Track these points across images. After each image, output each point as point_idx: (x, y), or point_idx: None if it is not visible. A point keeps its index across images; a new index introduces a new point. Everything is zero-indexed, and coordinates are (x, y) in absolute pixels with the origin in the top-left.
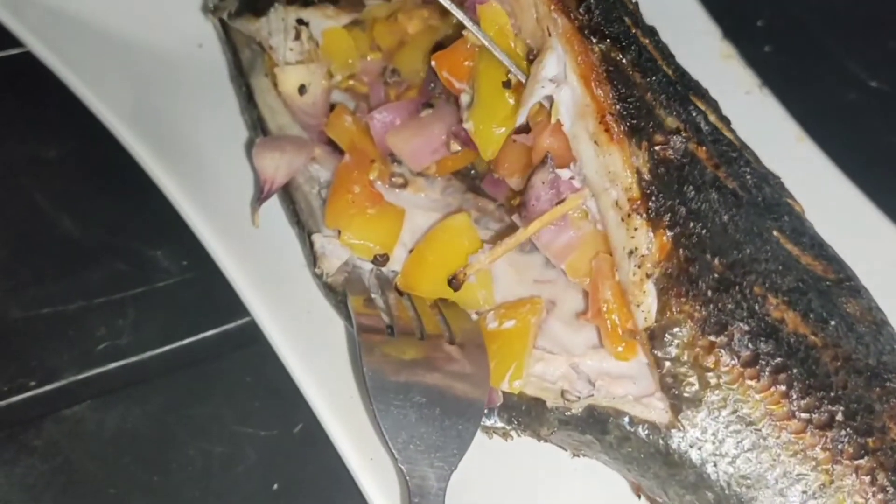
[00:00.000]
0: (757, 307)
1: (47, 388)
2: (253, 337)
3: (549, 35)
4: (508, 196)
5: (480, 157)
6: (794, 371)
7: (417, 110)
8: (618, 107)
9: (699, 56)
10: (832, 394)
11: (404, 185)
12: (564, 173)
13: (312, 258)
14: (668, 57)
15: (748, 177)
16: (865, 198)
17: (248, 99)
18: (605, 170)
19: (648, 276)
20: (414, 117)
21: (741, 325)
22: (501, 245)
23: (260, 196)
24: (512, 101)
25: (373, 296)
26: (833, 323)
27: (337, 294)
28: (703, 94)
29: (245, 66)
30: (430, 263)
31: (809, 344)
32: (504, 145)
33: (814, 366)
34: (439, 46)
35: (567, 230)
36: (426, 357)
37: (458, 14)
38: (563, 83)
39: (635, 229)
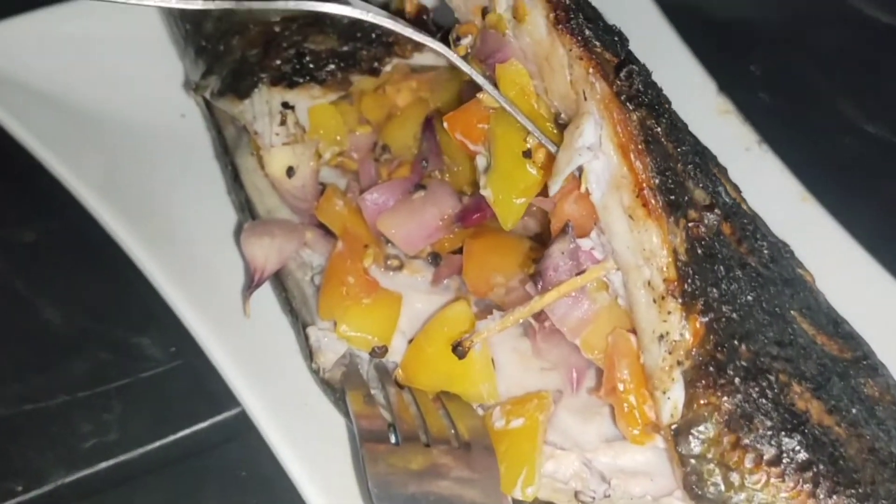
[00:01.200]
0: (782, 397)
1: (34, 493)
2: (246, 427)
3: (585, 99)
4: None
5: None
6: (821, 467)
7: (410, 191)
8: (656, 180)
9: (696, 112)
10: (860, 490)
11: (400, 268)
12: (585, 243)
13: (308, 352)
14: (683, 123)
15: (765, 251)
16: (871, 258)
17: (234, 179)
18: (640, 246)
19: (679, 363)
20: (407, 199)
21: (767, 419)
22: (512, 314)
23: (250, 285)
24: (534, 172)
25: (372, 391)
26: (854, 411)
27: (335, 391)
28: (716, 161)
29: (230, 145)
30: (430, 356)
31: (834, 437)
32: None
33: (840, 460)
34: (429, 120)
35: (583, 302)
36: (433, 465)
37: (479, 79)
38: (598, 151)
39: (668, 313)
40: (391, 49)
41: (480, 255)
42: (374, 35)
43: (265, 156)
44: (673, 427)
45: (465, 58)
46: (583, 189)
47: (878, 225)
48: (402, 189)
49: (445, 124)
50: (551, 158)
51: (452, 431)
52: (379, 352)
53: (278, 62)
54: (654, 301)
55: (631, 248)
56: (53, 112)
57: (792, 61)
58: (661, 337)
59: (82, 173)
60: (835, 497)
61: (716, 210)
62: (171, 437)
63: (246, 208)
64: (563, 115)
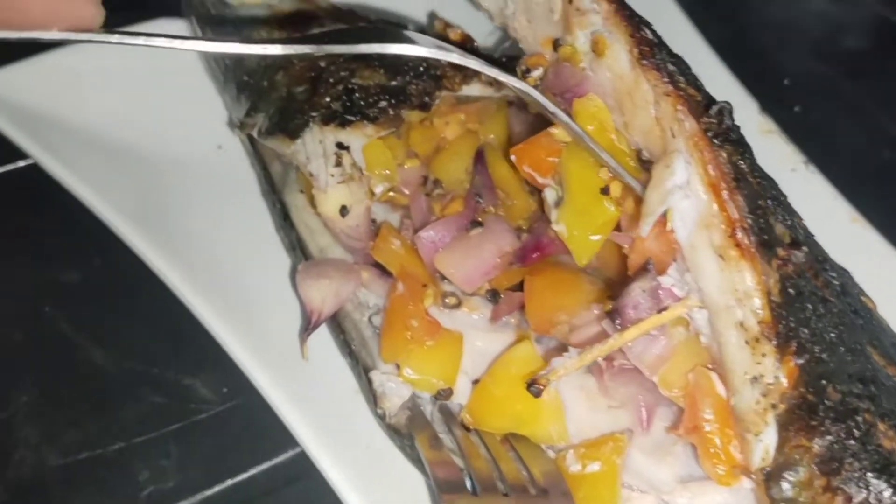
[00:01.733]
0: (869, 437)
1: None
2: (306, 470)
3: (673, 136)
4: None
5: None
6: None
7: (466, 227)
8: (749, 220)
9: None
10: None
11: (458, 305)
12: (665, 280)
13: (372, 397)
14: None
15: (835, 282)
16: None
17: (283, 217)
18: (732, 287)
19: (773, 406)
20: (463, 236)
21: (855, 460)
22: (591, 351)
23: (307, 326)
24: (612, 208)
25: (440, 434)
26: None
27: (402, 436)
28: (780, 190)
29: (277, 182)
30: (498, 399)
31: None
32: None
33: None
34: (480, 154)
35: (661, 339)
36: None
37: (563, 118)
38: (687, 190)
39: (763, 355)
40: (440, 82)
41: (542, 293)
42: (421, 68)
43: (318, 196)
44: (765, 470)
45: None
46: (668, 227)
47: None
48: (458, 226)
49: (513, 157)
50: (629, 194)
51: (527, 476)
52: (444, 394)
53: (328, 99)
54: (747, 343)
55: (721, 289)
56: (90, 148)
57: (824, 73)
58: (755, 379)
59: (123, 211)
60: None
61: (803, 248)
62: (230, 482)
63: (297, 247)
64: (644, 152)
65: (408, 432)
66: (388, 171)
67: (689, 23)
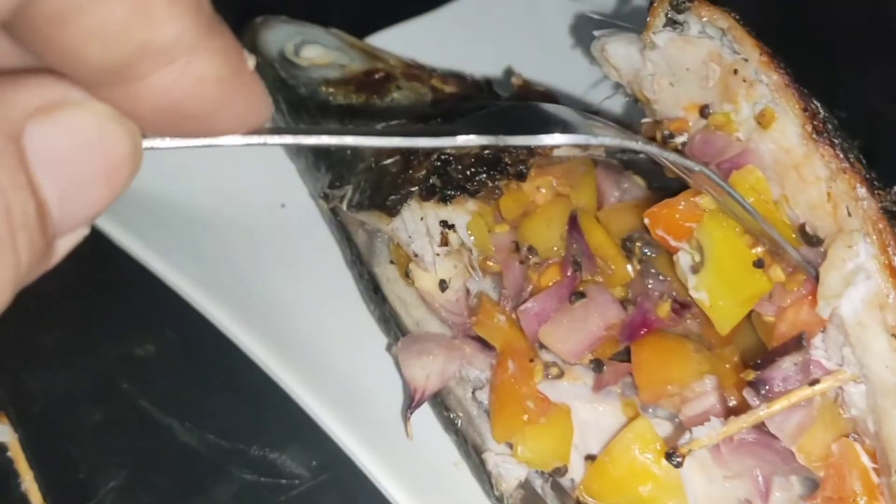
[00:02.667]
0: None
1: None
2: None
3: (849, 215)
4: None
5: None
6: None
7: (568, 298)
8: None
9: None
10: None
11: (560, 376)
12: (815, 352)
13: (486, 478)
14: None
15: None
16: None
17: (373, 290)
18: None
19: None
20: (566, 308)
21: None
22: (735, 422)
23: (409, 405)
24: (765, 280)
25: None
26: None
27: None
28: None
29: (364, 254)
30: (618, 479)
31: None
32: None
33: None
34: (574, 219)
35: (803, 409)
36: None
37: (749, 208)
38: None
39: None
40: (533, 150)
41: (652, 364)
42: None
43: (416, 271)
44: None
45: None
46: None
47: None
48: (560, 297)
49: (647, 220)
50: (778, 263)
51: None
52: (561, 471)
53: (423, 173)
54: None
55: (892, 368)
56: (152, 214)
57: (874, 106)
58: None
59: (197, 280)
60: None
61: None
62: None
63: (391, 321)
64: (808, 226)
65: None
66: (484, 241)
67: None
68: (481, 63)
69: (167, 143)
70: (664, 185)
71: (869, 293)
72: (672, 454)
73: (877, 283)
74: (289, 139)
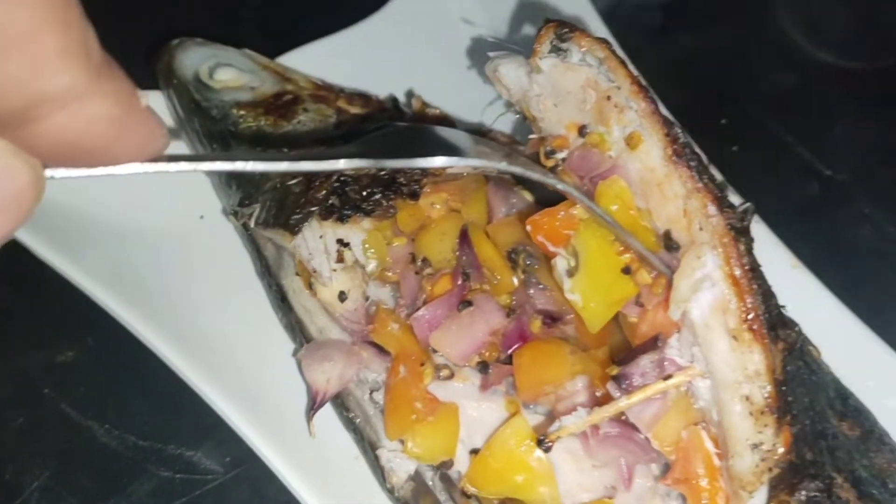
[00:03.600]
0: (832, 491)
1: None
2: None
3: (700, 229)
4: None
5: None
6: None
7: (457, 306)
8: (762, 308)
9: None
10: None
11: (451, 377)
12: (670, 351)
13: (380, 472)
14: None
15: (797, 345)
16: (862, 324)
17: (281, 300)
18: (742, 366)
19: (770, 470)
20: (455, 315)
21: None
22: (598, 412)
23: (312, 406)
24: (631, 285)
25: (442, 503)
26: (875, 491)
27: None
28: None
29: (272, 266)
30: (496, 470)
31: None
32: None
33: None
34: (465, 233)
35: (658, 401)
36: None
37: (607, 218)
38: (711, 279)
39: (765, 426)
40: (427, 170)
41: (530, 368)
42: None
43: (318, 285)
44: None
45: (554, 169)
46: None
47: (845, 273)
48: (450, 305)
49: (528, 227)
50: (645, 268)
51: None
52: (447, 465)
53: (323, 193)
54: (751, 413)
55: (732, 366)
56: (69, 224)
57: (755, 112)
58: (755, 446)
59: (113, 289)
60: None
61: (796, 328)
62: None
63: (297, 329)
64: (672, 234)
65: (414, 502)
66: (380, 253)
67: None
68: (391, 81)
69: (68, 172)
70: (551, 199)
71: (714, 299)
72: (542, 441)
73: (721, 290)
74: (183, 166)
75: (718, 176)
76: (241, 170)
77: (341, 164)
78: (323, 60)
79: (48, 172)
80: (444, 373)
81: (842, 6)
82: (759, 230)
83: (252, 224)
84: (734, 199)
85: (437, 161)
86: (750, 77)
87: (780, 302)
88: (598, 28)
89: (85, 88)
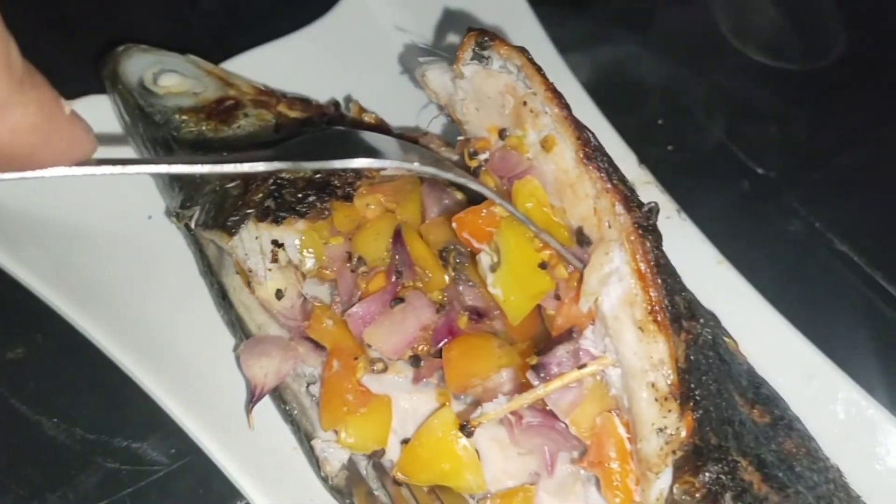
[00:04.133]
0: (735, 473)
1: None
2: None
3: (609, 227)
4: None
5: None
6: None
7: (389, 303)
8: (666, 301)
9: None
10: None
11: (384, 370)
12: (584, 342)
13: (315, 461)
14: None
15: (709, 336)
16: (781, 317)
17: (221, 297)
18: (648, 355)
19: (674, 452)
20: (388, 312)
21: (727, 492)
22: (517, 399)
23: (251, 400)
24: (548, 280)
25: (374, 491)
26: (781, 474)
27: (343, 495)
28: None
29: (214, 265)
30: (425, 459)
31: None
32: None
33: None
34: (398, 233)
35: (575, 389)
36: None
37: (515, 212)
38: (618, 273)
39: (669, 411)
40: (360, 172)
41: (458, 361)
42: None
43: (254, 283)
44: None
45: (477, 170)
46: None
47: (774, 267)
48: (383, 301)
49: (454, 224)
50: (561, 263)
51: None
52: (378, 454)
53: (260, 196)
54: (657, 400)
55: (638, 355)
56: (18, 225)
57: (690, 112)
58: (660, 430)
59: (60, 289)
60: None
61: (700, 319)
62: None
63: (237, 325)
64: (585, 230)
65: (348, 490)
66: (316, 252)
67: (573, 77)
68: (332, 86)
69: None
70: (482, 200)
71: (623, 292)
72: (465, 426)
73: (628, 284)
74: (107, 170)
75: (649, 177)
76: (165, 172)
77: (260, 166)
78: (267, 65)
79: None
80: (379, 366)
81: (777, 12)
82: (687, 228)
83: (193, 225)
84: (664, 198)
85: (354, 162)
86: (687, 79)
87: (705, 297)
88: (535, 31)
89: (6, 98)
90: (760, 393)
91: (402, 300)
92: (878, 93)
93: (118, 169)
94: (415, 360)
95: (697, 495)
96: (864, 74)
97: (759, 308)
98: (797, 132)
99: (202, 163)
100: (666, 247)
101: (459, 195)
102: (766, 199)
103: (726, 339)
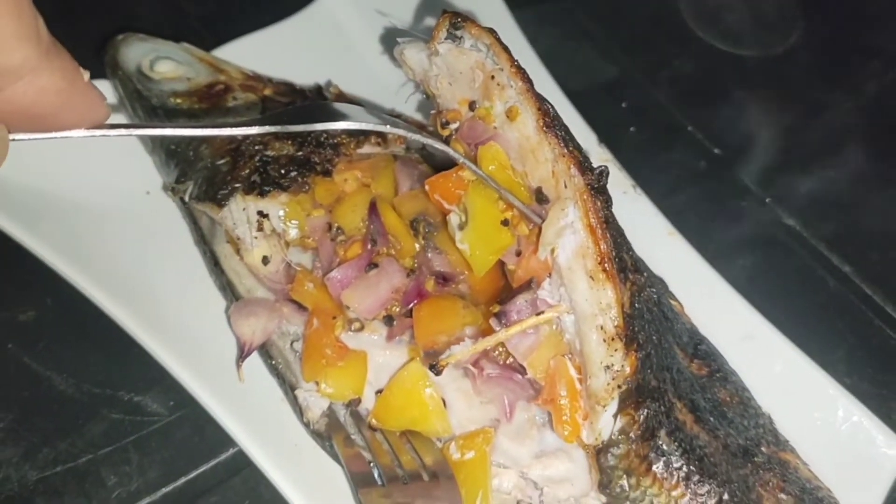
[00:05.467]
0: (671, 411)
1: None
2: (246, 463)
3: (565, 187)
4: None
5: None
6: (692, 468)
7: (365, 268)
8: (613, 252)
9: None
10: (719, 479)
11: (361, 329)
12: (542, 292)
13: (298, 410)
14: None
15: (654, 295)
16: (725, 282)
17: (214, 264)
18: (598, 300)
19: (619, 387)
20: (363, 276)
21: (663, 428)
22: (481, 343)
23: (241, 355)
24: (509, 235)
25: (352, 436)
26: (712, 419)
27: (323, 439)
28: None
29: (206, 234)
30: (396, 406)
31: (701, 442)
32: None
33: (704, 458)
34: (373, 205)
35: (532, 335)
36: (414, 498)
37: (477, 171)
38: (572, 228)
39: (615, 350)
40: (338, 149)
41: (426, 319)
42: (322, 138)
43: (243, 250)
44: (597, 448)
45: (448, 138)
46: (555, 254)
47: (724, 238)
48: (359, 267)
49: (427, 187)
50: (522, 221)
51: (420, 464)
52: (354, 403)
53: (247, 171)
54: (605, 341)
55: (589, 301)
56: (28, 199)
57: (653, 96)
58: (608, 367)
59: (66, 256)
60: (702, 486)
61: (644, 273)
62: (183, 479)
63: (228, 289)
64: (543, 190)
65: (327, 435)
66: (299, 223)
67: (540, 63)
68: (317, 70)
69: (25, 136)
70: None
71: (576, 245)
72: (434, 366)
73: (581, 237)
74: (122, 132)
75: (608, 154)
76: (170, 134)
77: (254, 129)
78: (255, 52)
79: (11, 136)
80: (356, 325)
81: (737, 2)
82: (641, 202)
83: (187, 199)
84: (622, 174)
85: (336, 125)
86: (651, 64)
87: (656, 264)
88: (506, 22)
89: (36, 63)
90: (700, 349)
91: (376, 266)
92: (828, 78)
93: (127, 131)
94: (388, 320)
95: (637, 431)
96: (816, 61)
97: (705, 273)
98: (752, 114)
99: (199, 127)
100: (621, 219)
101: (429, 171)
102: (721, 178)
103: (672, 301)
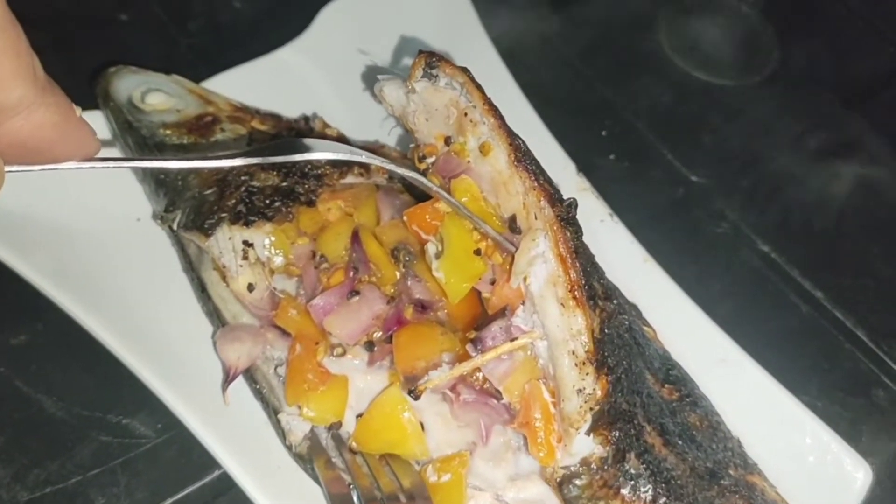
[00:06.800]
0: (641, 434)
1: None
2: (230, 486)
3: (536, 218)
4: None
5: None
6: (660, 490)
7: (347, 295)
8: (583, 281)
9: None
10: (686, 500)
11: (343, 354)
12: (516, 319)
13: (281, 433)
14: None
15: (626, 321)
16: (697, 308)
17: (201, 290)
18: (568, 326)
19: (591, 409)
20: (345, 303)
21: (633, 451)
22: (457, 368)
23: (226, 380)
24: (482, 264)
25: (333, 459)
26: (681, 442)
27: (305, 462)
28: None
29: (194, 261)
30: (375, 430)
31: (669, 464)
32: None
33: (672, 481)
34: (356, 234)
35: (508, 360)
36: None
37: (453, 202)
38: (542, 257)
39: (587, 374)
40: (322, 180)
41: (406, 346)
42: (307, 170)
43: (228, 278)
44: (557, 479)
45: (425, 171)
46: (527, 282)
47: (699, 265)
48: (341, 294)
49: (405, 218)
50: (496, 251)
51: (398, 486)
52: (335, 426)
53: (233, 202)
54: (576, 365)
55: (560, 327)
56: (22, 225)
57: (632, 124)
58: (580, 391)
59: (57, 282)
60: None
61: (615, 300)
62: (170, 500)
63: (214, 315)
64: (516, 220)
65: (309, 458)
66: (284, 251)
67: (521, 94)
68: (302, 102)
69: (21, 168)
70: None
71: (547, 273)
72: (412, 391)
73: (552, 266)
74: (111, 164)
75: (586, 184)
76: (159, 167)
77: (238, 161)
78: (243, 84)
79: (7, 168)
80: (338, 351)
81: (715, 33)
82: (618, 230)
83: (175, 227)
84: (599, 203)
85: (315, 155)
86: (631, 93)
87: (631, 291)
88: (489, 52)
89: (33, 100)
90: (671, 374)
91: (358, 293)
92: (803, 107)
93: (115, 164)
94: (369, 346)
95: (606, 454)
96: (792, 90)
97: (678, 299)
98: (729, 143)
99: (185, 160)
100: (596, 247)
101: (411, 201)
102: (697, 205)
103: (645, 327)
